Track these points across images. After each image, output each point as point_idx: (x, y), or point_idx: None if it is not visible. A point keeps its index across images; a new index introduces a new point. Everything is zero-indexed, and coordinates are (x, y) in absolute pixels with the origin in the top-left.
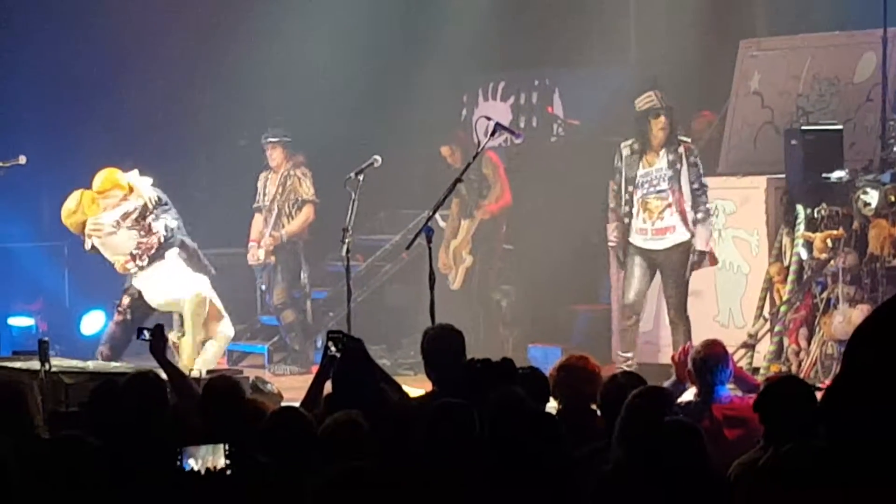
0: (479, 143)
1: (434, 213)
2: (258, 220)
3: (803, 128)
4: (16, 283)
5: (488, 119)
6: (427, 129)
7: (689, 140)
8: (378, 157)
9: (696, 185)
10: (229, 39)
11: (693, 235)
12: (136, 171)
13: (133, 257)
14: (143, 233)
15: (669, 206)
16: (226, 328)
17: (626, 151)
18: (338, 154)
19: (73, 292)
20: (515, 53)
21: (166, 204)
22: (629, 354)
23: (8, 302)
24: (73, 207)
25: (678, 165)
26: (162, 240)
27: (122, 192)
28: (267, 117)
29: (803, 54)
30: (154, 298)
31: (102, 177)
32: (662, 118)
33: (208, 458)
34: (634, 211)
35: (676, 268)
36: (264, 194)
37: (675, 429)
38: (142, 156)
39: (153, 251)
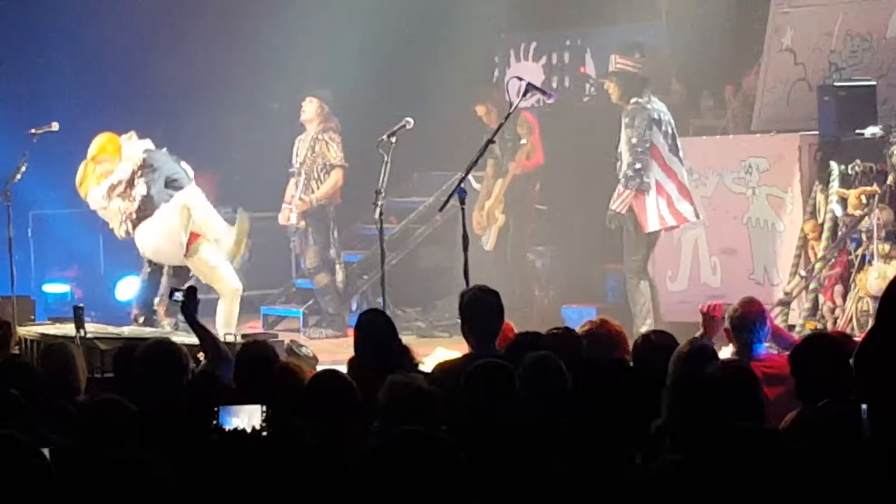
0: (510, 103)
1: (467, 174)
2: (292, 184)
3: (836, 84)
4: (51, 250)
5: (520, 79)
6: (459, 90)
7: (638, 100)
8: (410, 119)
9: (630, 145)
10: (264, 5)
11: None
12: (132, 134)
13: (124, 220)
14: (127, 201)
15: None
16: (234, 281)
17: None
18: (370, 116)
19: (108, 258)
20: (547, 13)
21: (151, 166)
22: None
23: (43, 269)
24: (79, 180)
25: (625, 128)
26: (139, 206)
27: (114, 159)
28: (300, 81)
29: (835, 10)
30: (145, 247)
31: (96, 144)
32: (606, 82)
33: (248, 417)
34: None
35: (625, 231)
36: (294, 158)
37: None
38: (175, 121)
39: (134, 217)
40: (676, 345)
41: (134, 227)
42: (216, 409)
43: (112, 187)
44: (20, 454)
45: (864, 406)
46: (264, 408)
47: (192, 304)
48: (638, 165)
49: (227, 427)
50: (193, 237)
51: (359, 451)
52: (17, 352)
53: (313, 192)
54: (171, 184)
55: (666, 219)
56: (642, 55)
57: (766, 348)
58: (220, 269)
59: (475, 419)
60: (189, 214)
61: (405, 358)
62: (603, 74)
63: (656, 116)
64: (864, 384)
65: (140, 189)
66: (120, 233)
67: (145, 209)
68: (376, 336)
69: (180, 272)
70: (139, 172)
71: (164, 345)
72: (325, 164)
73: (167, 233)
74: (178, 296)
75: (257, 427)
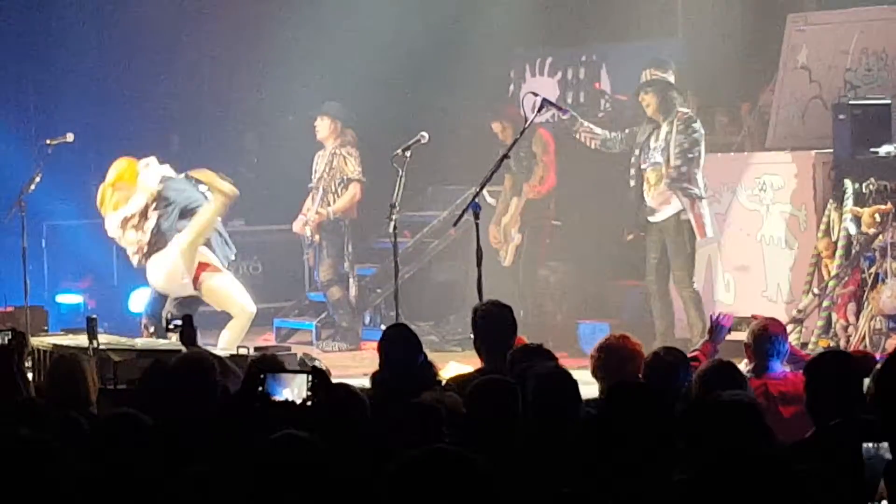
0: (526, 119)
1: (481, 189)
2: (310, 198)
3: (851, 102)
4: (64, 261)
5: (535, 95)
6: (474, 105)
7: (687, 110)
8: (425, 134)
9: (681, 153)
10: (278, 19)
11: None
12: (152, 159)
13: (136, 252)
14: (139, 233)
15: (663, 178)
16: (247, 305)
17: (643, 127)
18: (385, 131)
19: (121, 269)
20: (563, 29)
21: (166, 199)
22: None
23: (57, 279)
24: (98, 203)
25: (669, 136)
26: (150, 240)
27: (131, 187)
28: (315, 95)
29: (851, 29)
30: (154, 282)
31: (115, 170)
32: (642, 94)
33: (296, 388)
34: (645, 186)
35: (674, 240)
36: (313, 173)
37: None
38: (189, 134)
39: (145, 250)
40: (687, 362)
41: (146, 258)
42: (263, 376)
43: (126, 219)
44: (34, 454)
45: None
46: (310, 378)
47: (188, 331)
48: (684, 169)
49: (276, 397)
50: (202, 267)
51: (388, 467)
52: (29, 363)
53: (330, 205)
54: (189, 213)
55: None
56: (673, 71)
57: (783, 367)
58: (232, 295)
59: (478, 435)
60: (193, 253)
61: (429, 374)
62: (639, 87)
63: (702, 131)
64: (886, 408)
65: (151, 222)
66: (133, 262)
67: (156, 243)
68: (401, 352)
69: (190, 302)
70: (153, 205)
71: (199, 356)
72: (343, 179)
73: (173, 273)
74: (176, 323)
75: (304, 397)
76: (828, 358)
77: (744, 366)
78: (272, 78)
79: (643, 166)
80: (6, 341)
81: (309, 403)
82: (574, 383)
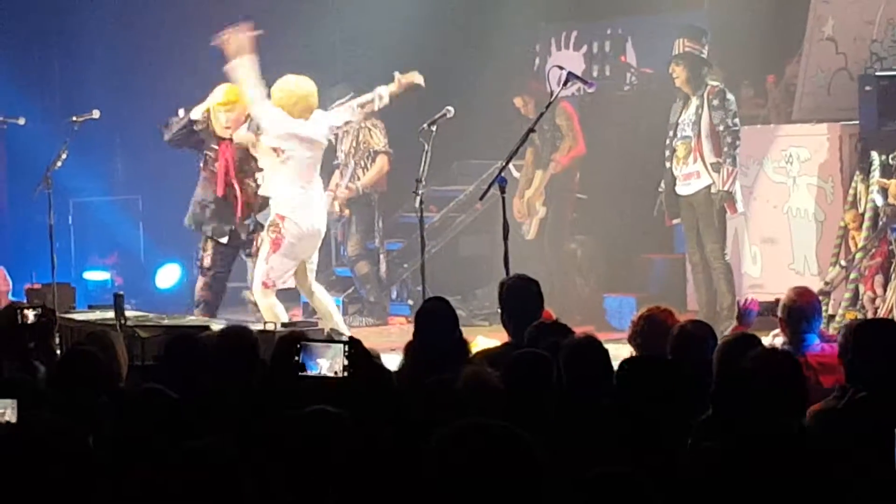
0: (551, 92)
1: (507, 163)
2: (337, 173)
3: (878, 74)
4: (91, 238)
5: (561, 68)
6: (500, 79)
7: (718, 83)
8: (451, 108)
9: (721, 128)
10: None
11: (714, 181)
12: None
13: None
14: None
15: (692, 151)
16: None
17: (674, 106)
18: (411, 105)
19: (148, 246)
20: (588, 2)
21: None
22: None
23: (84, 256)
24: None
25: (700, 110)
26: None
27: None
28: (339, 70)
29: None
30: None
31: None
32: (672, 65)
33: (331, 360)
34: (674, 159)
35: (704, 214)
36: (339, 149)
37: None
38: None
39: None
40: (713, 335)
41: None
42: (300, 345)
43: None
44: (54, 437)
45: None
46: (346, 348)
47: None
48: (738, 144)
49: (312, 372)
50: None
51: (432, 440)
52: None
53: (359, 179)
54: None
55: None
56: (708, 41)
57: (818, 339)
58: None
59: (515, 410)
60: None
61: (462, 350)
62: (674, 58)
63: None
64: None
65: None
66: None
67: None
68: (438, 324)
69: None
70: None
71: (243, 331)
72: (370, 152)
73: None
74: None
75: (339, 371)
76: (878, 325)
77: (771, 337)
78: (295, 55)
79: (671, 142)
80: (37, 318)
81: (345, 374)
82: (605, 352)
